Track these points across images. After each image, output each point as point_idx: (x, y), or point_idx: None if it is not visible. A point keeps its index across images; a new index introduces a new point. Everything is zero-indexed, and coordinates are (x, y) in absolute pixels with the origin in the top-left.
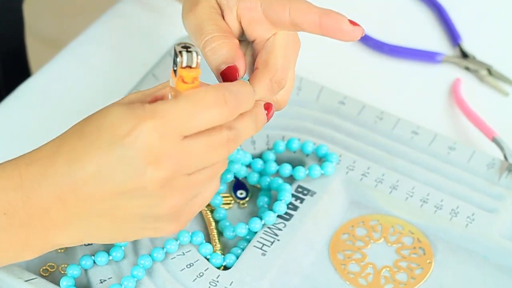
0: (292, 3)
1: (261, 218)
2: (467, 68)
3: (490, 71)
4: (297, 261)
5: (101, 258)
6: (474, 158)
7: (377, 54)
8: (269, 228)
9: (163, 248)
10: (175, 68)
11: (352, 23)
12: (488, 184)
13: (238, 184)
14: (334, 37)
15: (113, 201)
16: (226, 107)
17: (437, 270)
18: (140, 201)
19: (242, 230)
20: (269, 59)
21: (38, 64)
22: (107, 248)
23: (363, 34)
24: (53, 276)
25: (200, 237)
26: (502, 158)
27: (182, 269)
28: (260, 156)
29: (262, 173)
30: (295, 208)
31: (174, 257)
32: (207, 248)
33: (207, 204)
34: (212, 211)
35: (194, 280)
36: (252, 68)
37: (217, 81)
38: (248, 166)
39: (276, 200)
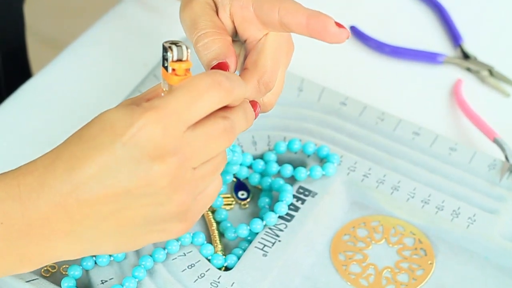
0: (282, 3)
1: (262, 219)
2: (468, 69)
3: (491, 72)
4: (298, 262)
5: (103, 258)
6: (475, 159)
7: (378, 55)
8: (270, 229)
9: (164, 248)
10: (166, 65)
11: (339, 25)
12: (490, 185)
13: (239, 185)
14: (321, 38)
15: (117, 203)
16: (221, 88)
17: (438, 271)
18: (147, 200)
19: (243, 231)
20: (259, 60)
21: (39, 65)
22: None
23: (349, 37)
24: (54, 276)
25: (201, 238)
26: (503, 159)
27: (183, 270)
28: (261, 157)
29: (263, 174)
30: (296, 209)
31: (175, 258)
32: (208, 249)
33: (212, 202)
34: (213, 212)
35: (195, 281)
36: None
37: None
38: (249, 167)
39: (277, 201)
